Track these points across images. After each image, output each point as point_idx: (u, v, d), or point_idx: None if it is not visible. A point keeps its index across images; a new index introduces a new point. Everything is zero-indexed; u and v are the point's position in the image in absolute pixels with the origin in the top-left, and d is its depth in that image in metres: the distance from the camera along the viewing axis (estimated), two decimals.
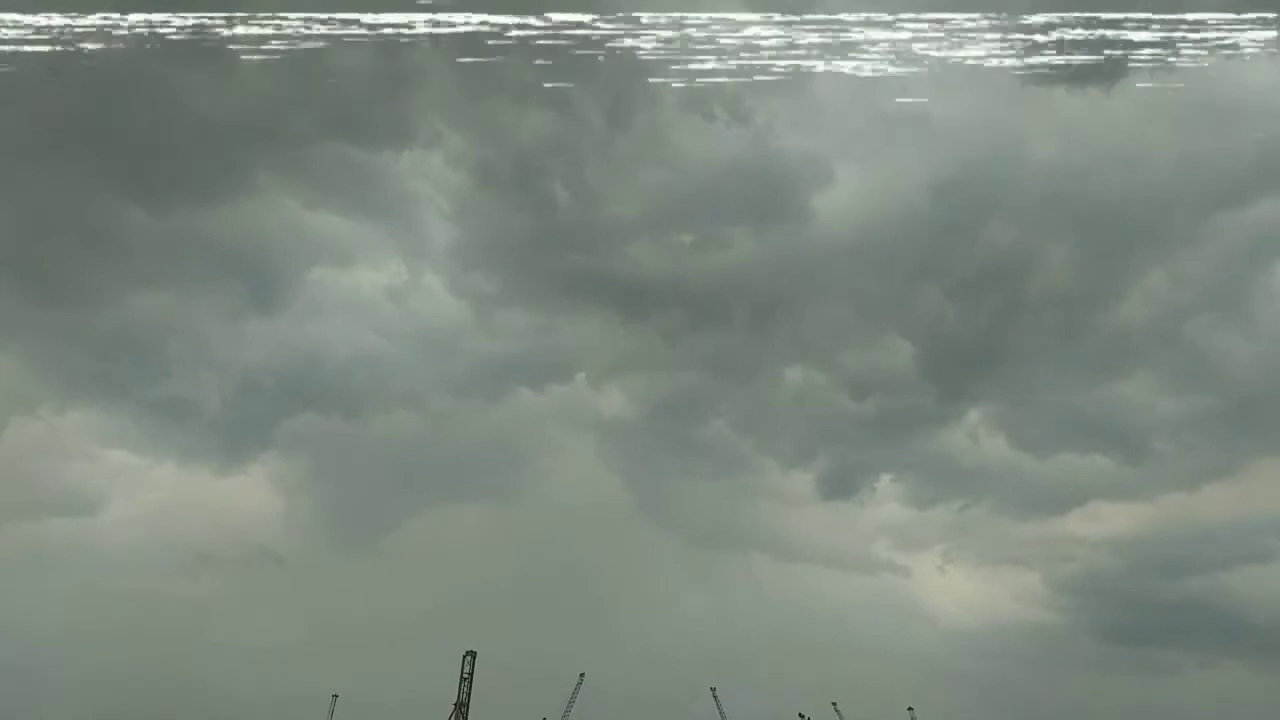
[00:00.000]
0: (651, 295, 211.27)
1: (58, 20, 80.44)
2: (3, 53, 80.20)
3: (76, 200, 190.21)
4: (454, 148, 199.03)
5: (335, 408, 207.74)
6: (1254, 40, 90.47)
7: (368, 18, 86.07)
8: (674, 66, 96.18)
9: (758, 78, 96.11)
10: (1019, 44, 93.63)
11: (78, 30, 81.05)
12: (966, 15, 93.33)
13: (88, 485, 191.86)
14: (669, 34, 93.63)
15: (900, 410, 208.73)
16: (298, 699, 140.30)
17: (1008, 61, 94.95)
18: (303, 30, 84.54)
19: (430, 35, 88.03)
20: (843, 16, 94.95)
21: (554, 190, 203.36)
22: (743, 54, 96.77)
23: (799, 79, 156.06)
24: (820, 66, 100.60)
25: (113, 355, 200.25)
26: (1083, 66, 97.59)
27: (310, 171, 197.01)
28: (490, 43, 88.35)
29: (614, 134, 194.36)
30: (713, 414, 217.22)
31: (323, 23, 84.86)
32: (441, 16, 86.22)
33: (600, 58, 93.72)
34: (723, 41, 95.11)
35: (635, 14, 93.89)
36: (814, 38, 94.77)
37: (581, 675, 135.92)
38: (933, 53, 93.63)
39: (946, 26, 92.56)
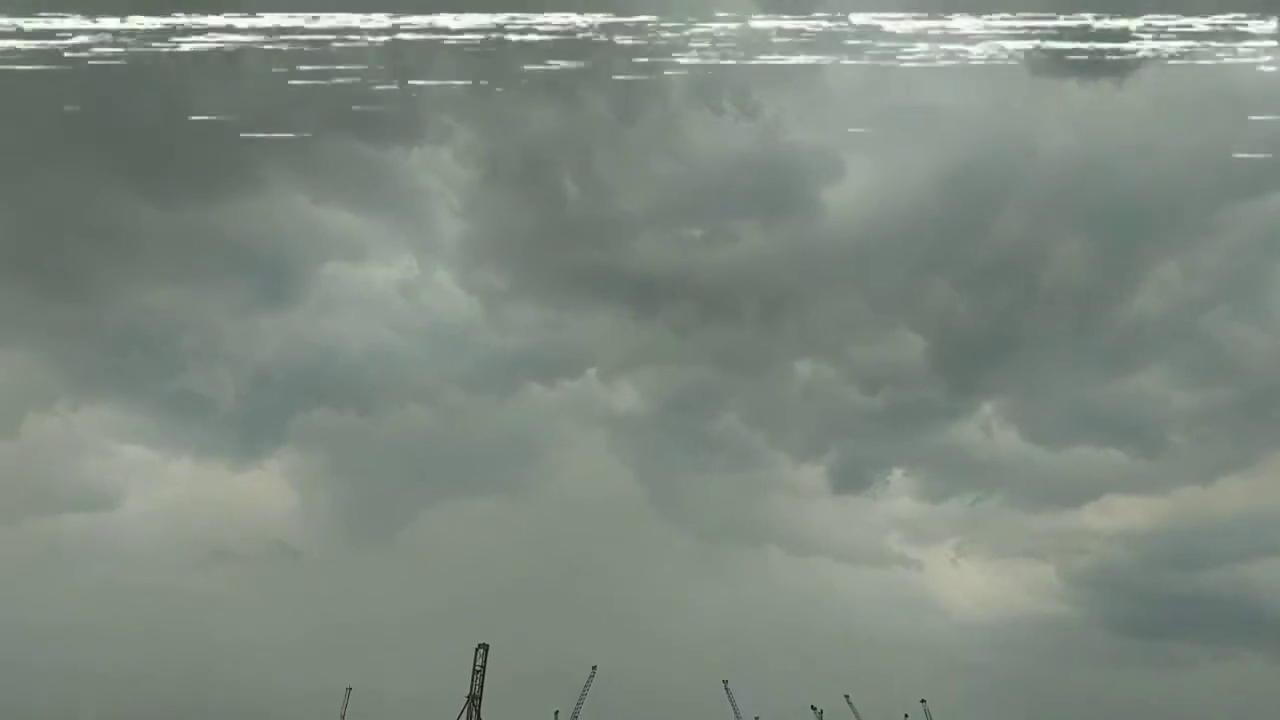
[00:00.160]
0: (661, 289, 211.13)
1: (70, 23, 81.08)
2: (12, 52, 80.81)
3: (88, 197, 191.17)
4: (463, 143, 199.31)
5: (349, 403, 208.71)
6: (1266, 31, 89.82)
7: (378, 17, 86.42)
8: (682, 60, 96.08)
9: (764, 59, 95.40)
10: (1030, 35, 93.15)
11: (88, 32, 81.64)
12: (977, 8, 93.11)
13: (104, 480, 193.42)
14: (674, 26, 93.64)
15: (911, 404, 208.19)
16: (313, 692, 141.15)
17: (1019, 52, 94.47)
18: (307, 25, 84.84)
19: (441, 30, 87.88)
20: (851, 11, 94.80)
21: (563, 185, 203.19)
22: (751, 47, 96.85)
23: (808, 72, 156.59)
24: (829, 60, 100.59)
25: (126, 351, 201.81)
26: (1095, 58, 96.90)
27: (320, 168, 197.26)
28: (495, 36, 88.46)
29: (623, 127, 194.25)
30: (724, 408, 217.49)
31: (330, 25, 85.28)
32: (447, 17, 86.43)
33: (609, 52, 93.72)
34: (731, 35, 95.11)
35: (644, 11, 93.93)
36: (825, 26, 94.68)
37: (594, 668, 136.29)
38: (943, 45, 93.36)
39: (957, 19, 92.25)
